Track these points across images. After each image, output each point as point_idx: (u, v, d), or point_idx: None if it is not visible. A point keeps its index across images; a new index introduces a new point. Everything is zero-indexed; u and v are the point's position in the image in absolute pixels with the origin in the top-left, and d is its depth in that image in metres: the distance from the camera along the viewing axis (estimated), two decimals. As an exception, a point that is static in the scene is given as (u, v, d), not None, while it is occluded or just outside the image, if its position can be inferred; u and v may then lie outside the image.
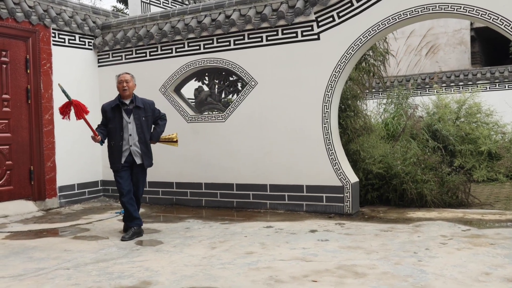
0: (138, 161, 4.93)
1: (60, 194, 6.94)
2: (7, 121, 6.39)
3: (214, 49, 6.61)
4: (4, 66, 6.36)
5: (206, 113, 6.94)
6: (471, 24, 15.39)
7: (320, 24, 5.96)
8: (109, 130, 4.96)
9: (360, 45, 5.73)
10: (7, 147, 6.39)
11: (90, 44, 7.47)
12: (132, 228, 4.86)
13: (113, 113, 4.94)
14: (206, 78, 6.96)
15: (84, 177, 7.26)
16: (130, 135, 4.90)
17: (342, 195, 5.85)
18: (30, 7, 6.62)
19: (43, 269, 3.80)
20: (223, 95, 6.90)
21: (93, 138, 4.86)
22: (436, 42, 15.89)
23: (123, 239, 4.73)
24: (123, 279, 3.50)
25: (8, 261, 4.09)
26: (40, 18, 6.67)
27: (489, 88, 12.48)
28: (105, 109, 5.00)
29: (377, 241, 4.41)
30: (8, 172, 6.39)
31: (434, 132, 9.33)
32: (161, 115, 5.20)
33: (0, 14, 6.21)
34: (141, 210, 6.61)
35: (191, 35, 6.72)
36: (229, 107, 6.59)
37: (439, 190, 6.47)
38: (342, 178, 5.86)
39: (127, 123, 4.91)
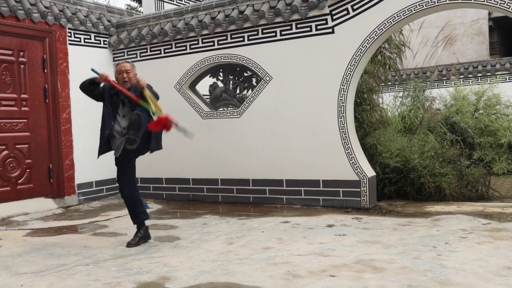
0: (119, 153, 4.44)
1: (79, 191, 7.03)
2: (26, 120, 6.49)
3: (228, 45, 6.60)
4: (22, 66, 6.45)
5: (221, 109, 6.95)
6: (490, 13, 15.10)
7: (334, 17, 5.90)
8: (103, 114, 4.51)
9: (375, 37, 5.66)
10: (27, 146, 6.49)
11: (105, 42, 7.53)
12: (139, 232, 4.49)
13: (110, 99, 4.46)
14: (221, 74, 6.97)
15: (102, 175, 7.33)
16: (124, 128, 4.43)
17: (359, 190, 5.81)
18: (46, 7, 6.69)
19: (63, 265, 3.86)
20: (238, 91, 6.90)
21: (101, 76, 4.30)
22: (453, 33, 15.64)
23: (128, 245, 4.37)
24: (142, 274, 3.53)
25: (30, 257, 4.16)
26: (56, 18, 6.74)
27: (509, 79, 12.22)
28: (105, 88, 4.49)
29: (395, 236, 4.37)
30: (28, 170, 6.49)
31: (452, 124, 9.21)
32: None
33: (17, 15, 6.30)
34: (159, 206, 6.69)
35: (205, 32, 6.73)
36: (244, 102, 6.59)
37: (458, 183, 6.39)
38: (358, 173, 5.82)
39: (122, 115, 4.47)
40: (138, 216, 4.56)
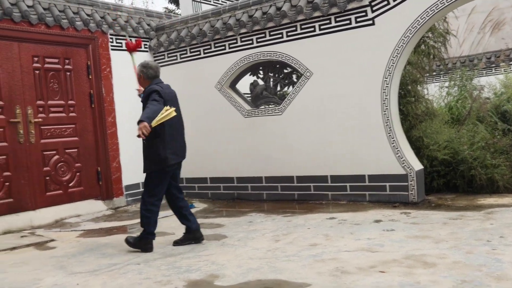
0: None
1: (126, 193, 7.22)
2: (74, 125, 6.73)
3: (267, 42, 6.58)
4: (68, 73, 6.69)
5: (262, 107, 6.95)
6: (540, -5, 14.32)
7: (374, 8, 5.77)
8: None
9: (418, 27, 5.49)
10: (76, 150, 6.72)
11: (145, 46, 7.68)
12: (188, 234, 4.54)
13: None
14: (261, 72, 6.96)
15: (148, 176, 7.49)
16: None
17: (406, 184, 5.66)
18: (88, 15, 6.90)
19: (115, 265, 3.97)
20: (278, 88, 6.88)
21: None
22: (501, 17, 14.94)
23: (175, 244, 4.49)
24: (191, 272, 3.58)
25: (83, 257, 4.31)
26: (98, 25, 6.94)
27: None
28: None
29: (446, 230, 4.23)
30: (77, 173, 6.73)
31: (503, 113, 8.79)
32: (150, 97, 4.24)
33: (61, 24, 6.53)
34: (204, 205, 6.77)
35: (243, 30, 6.74)
36: (285, 99, 6.55)
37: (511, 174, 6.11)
38: (405, 166, 5.67)
39: None
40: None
